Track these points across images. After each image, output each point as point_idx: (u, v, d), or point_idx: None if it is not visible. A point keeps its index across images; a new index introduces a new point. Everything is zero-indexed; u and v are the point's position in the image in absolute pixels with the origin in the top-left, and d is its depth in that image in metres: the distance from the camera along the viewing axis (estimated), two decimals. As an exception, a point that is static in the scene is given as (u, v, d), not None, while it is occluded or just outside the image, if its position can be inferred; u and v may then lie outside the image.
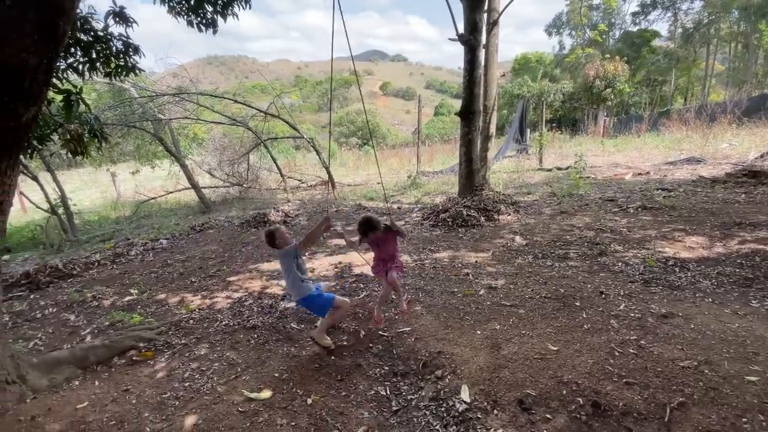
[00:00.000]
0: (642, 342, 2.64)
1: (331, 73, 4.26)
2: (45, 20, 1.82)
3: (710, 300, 3.18)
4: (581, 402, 2.14)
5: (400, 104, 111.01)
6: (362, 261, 4.94)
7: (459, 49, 6.79)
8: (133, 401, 2.50)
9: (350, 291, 4.05)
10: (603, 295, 3.37)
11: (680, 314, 2.96)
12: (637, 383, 2.25)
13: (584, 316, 3.06)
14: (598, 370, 2.39)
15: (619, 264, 4.06)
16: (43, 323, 3.97)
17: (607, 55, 28.11)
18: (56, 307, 4.38)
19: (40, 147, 4.20)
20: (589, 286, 3.60)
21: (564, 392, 2.23)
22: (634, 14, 37.85)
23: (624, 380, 2.28)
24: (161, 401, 2.48)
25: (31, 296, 4.85)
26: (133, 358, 3.02)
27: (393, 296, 3.51)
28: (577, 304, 3.26)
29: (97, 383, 2.73)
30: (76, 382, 2.75)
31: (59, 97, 3.07)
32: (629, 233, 5.01)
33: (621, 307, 3.14)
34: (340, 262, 5.00)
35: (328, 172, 10.83)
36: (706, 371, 2.29)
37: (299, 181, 13.46)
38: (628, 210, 6.07)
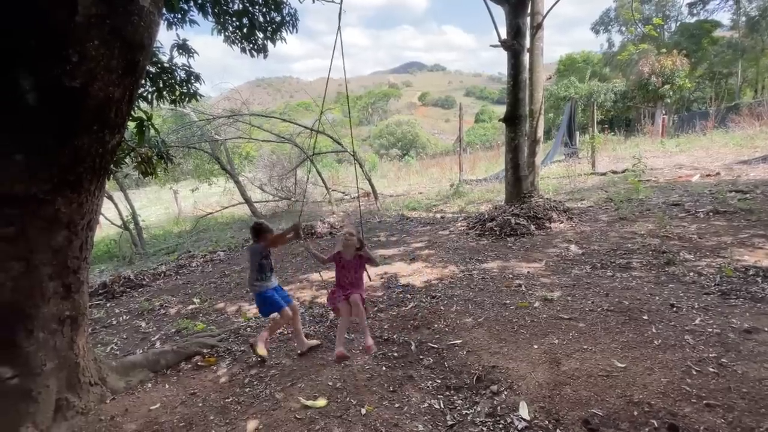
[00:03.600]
0: (723, 360, 2.39)
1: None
2: (128, 57, 2.05)
3: (804, 314, 2.82)
4: (656, 424, 1.97)
5: (439, 113, 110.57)
6: (409, 271, 4.95)
7: (497, 55, 6.81)
8: (200, 404, 2.65)
9: (397, 302, 4.05)
10: (674, 308, 3.11)
11: (766, 329, 2.66)
12: (719, 405, 2.04)
13: (654, 330, 2.83)
14: (674, 389, 2.19)
15: (691, 274, 3.73)
16: (118, 329, 4.34)
17: (663, 50, 26.30)
18: (129, 314, 4.77)
19: (116, 169, 4.67)
20: (657, 298, 3.33)
21: (635, 413, 2.07)
22: (690, 5, 35.13)
23: (704, 402, 2.08)
24: (225, 405, 2.61)
25: (107, 304, 5.33)
26: (198, 363, 3.22)
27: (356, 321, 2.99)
28: (645, 317, 3.02)
29: (167, 386, 2.93)
30: (149, 385, 2.97)
31: (132, 124, 3.39)
32: (700, 240, 4.59)
33: (696, 322, 2.87)
34: (386, 273, 5.03)
35: (371, 184, 10.99)
36: (803, 394, 2.03)
37: (343, 193, 13.77)
38: (698, 215, 5.58)
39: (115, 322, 4.58)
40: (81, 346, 2.68)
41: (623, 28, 39.24)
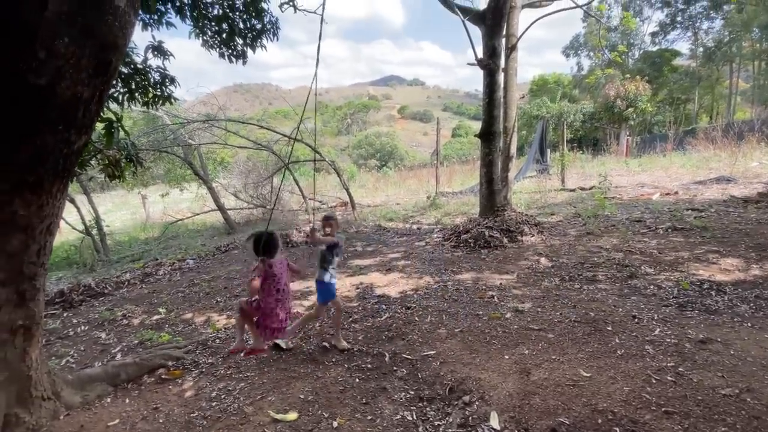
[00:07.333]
0: (680, 369, 2.52)
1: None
2: (100, 56, 1.99)
3: (749, 324, 3.02)
4: (618, 432, 2.05)
5: (418, 127, 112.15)
6: (385, 282, 4.95)
7: (473, 72, 7.00)
8: (162, 420, 2.53)
9: (372, 312, 4.03)
10: (636, 320, 3.25)
11: (719, 339, 2.83)
12: (676, 412, 2.14)
13: (617, 341, 2.95)
14: (635, 398, 2.28)
15: (651, 287, 3.92)
16: (75, 341, 4.10)
17: (627, 76, 27.94)
18: (88, 325, 4.52)
19: (80, 171, 4.46)
20: (620, 309, 3.48)
21: (599, 421, 2.14)
22: (653, 34, 37.80)
23: (663, 409, 2.17)
24: (189, 420, 2.50)
25: (65, 314, 5.03)
26: (162, 376, 3.08)
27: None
28: (609, 328, 3.15)
29: (127, 401, 2.78)
30: (108, 400, 2.82)
31: (101, 125, 3.26)
32: (660, 255, 4.84)
33: (656, 332, 3.01)
34: (361, 283, 5.01)
35: (349, 194, 10.98)
36: (749, 399, 2.17)
37: (320, 202, 13.67)
38: (658, 231, 5.89)
39: (72, 333, 4.32)
40: (34, 358, 2.51)
41: (591, 54, 41.46)
